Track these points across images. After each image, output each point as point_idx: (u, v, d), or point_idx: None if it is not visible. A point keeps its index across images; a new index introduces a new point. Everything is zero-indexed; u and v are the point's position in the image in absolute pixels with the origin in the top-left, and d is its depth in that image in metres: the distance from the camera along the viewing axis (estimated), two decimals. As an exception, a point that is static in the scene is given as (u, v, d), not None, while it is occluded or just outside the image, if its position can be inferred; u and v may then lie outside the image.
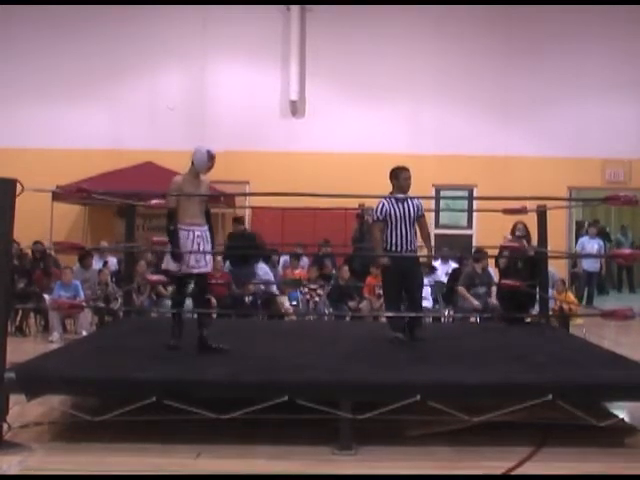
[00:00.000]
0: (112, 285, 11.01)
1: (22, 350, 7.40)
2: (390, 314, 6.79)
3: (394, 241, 6.64)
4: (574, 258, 14.63)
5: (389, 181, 6.83)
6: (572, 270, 14.93)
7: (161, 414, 4.88)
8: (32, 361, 5.65)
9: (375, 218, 6.74)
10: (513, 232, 9.12)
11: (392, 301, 6.85)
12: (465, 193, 14.78)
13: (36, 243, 11.48)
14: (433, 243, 14.29)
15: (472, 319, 9.98)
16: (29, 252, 11.58)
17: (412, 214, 6.70)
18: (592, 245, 14.24)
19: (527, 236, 8.86)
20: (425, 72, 14.77)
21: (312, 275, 11.16)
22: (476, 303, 10.00)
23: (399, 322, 6.68)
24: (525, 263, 8.73)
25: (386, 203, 6.68)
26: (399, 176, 6.76)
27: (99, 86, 14.74)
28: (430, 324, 10.00)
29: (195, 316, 6.52)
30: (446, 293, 10.93)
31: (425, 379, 5.17)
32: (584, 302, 14.19)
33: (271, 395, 4.87)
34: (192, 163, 6.12)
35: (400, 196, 6.69)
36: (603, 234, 16.61)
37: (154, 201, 7.71)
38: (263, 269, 11.29)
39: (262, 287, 11.09)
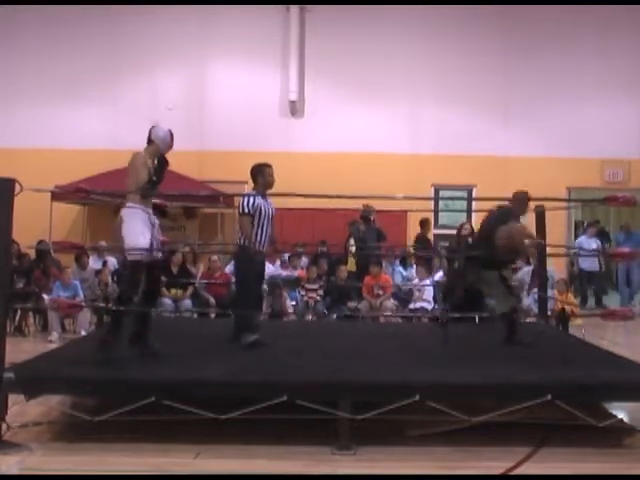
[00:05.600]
0: (112, 285, 11.00)
1: (21, 350, 7.40)
2: (243, 315, 6.48)
3: (259, 238, 6.41)
4: (572, 257, 14.63)
5: (250, 178, 6.63)
6: (572, 270, 14.92)
7: (160, 414, 4.87)
8: (31, 361, 5.65)
9: (246, 211, 6.40)
10: (459, 232, 9.17)
11: (251, 301, 6.52)
12: (464, 193, 14.78)
13: (40, 242, 11.43)
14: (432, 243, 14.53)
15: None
16: (28, 252, 11.54)
17: (273, 213, 6.60)
18: (590, 244, 14.23)
19: (471, 235, 8.89)
20: (425, 72, 14.77)
21: (311, 275, 11.17)
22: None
23: (252, 322, 6.43)
24: (464, 263, 8.83)
25: (256, 198, 6.44)
26: (265, 172, 6.56)
27: (98, 86, 14.74)
28: (429, 324, 10.05)
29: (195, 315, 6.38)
30: (444, 294, 10.93)
31: (424, 379, 5.17)
32: (591, 302, 14.20)
33: (270, 395, 4.87)
34: (151, 141, 5.76)
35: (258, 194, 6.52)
36: (602, 234, 16.60)
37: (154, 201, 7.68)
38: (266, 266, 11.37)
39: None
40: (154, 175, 5.65)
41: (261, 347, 6.16)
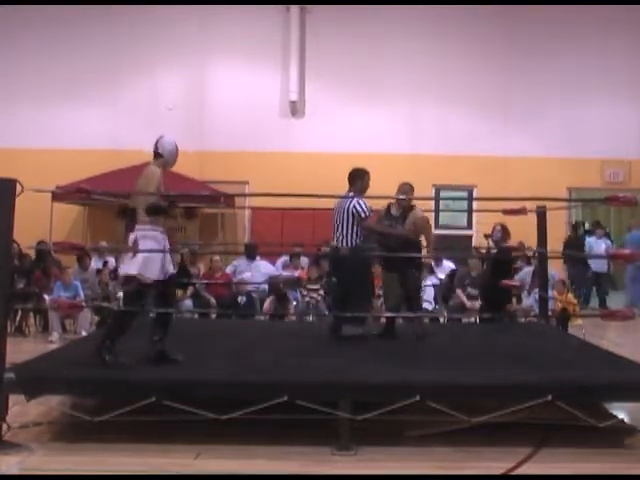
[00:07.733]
0: (112, 285, 11.00)
1: (22, 350, 7.40)
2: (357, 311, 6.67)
3: (362, 238, 6.70)
4: (576, 258, 14.61)
5: (349, 180, 6.91)
6: (572, 271, 14.89)
7: (161, 414, 4.87)
8: (32, 361, 5.66)
9: (369, 214, 6.71)
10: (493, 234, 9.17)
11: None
12: (465, 194, 14.77)
13: (40, 243, 11.42)
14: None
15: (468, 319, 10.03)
16: (29, 252, 11.54)
17: None
18: (599, 245, 14.20)
19: (501, 235, 8.76)
20: (425, 72, 14.76)
21: (312, 275, 11.16)
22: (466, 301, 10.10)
23: (364, 319, 6.76)
24: (490, 264, 8.82)
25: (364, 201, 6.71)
26: (365, 178, 6.87)
27: (99, 86, 14.73)
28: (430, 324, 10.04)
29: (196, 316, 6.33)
30: (444, 294, 10.92)
31: (425, 379, 5.17)
32: (594, 303, 14.15)
33: (271, 395, 4.87)
34: (159, 155, 5.64)
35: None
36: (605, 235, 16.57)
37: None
38: (266, 267, 11.58)
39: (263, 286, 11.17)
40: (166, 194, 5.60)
41: (363, 341, 6.47)
